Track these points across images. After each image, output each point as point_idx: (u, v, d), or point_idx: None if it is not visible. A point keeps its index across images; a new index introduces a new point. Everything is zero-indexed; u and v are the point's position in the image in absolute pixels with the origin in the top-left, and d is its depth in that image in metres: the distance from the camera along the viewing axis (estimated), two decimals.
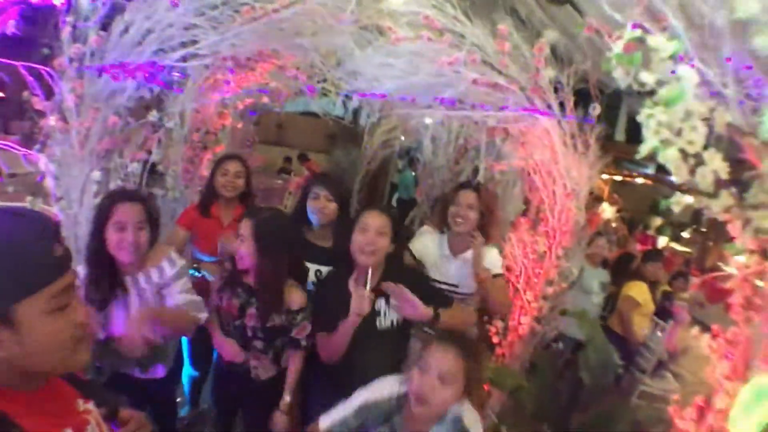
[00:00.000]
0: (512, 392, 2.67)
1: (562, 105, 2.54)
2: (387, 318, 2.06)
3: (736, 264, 1.77)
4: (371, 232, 2.00)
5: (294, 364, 2.12)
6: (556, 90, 2.55)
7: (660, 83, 1.51)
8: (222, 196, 2.75)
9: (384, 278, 2.02)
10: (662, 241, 9.32)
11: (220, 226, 2.69)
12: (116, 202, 1.84)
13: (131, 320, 1.88)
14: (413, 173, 7.99)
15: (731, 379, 1.73)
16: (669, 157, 1.55)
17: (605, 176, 9.54)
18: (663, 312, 4.59)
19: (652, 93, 1.58)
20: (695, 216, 10.38)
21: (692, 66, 1.45)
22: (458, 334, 1.57)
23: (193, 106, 3.40)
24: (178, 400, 2.78)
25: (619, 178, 10.60)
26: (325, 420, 1.66)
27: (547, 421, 2.71)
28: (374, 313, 2.03)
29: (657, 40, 1.47)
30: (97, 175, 2.24)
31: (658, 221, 9.92)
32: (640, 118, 1.52)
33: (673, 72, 1.49)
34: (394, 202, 8.62)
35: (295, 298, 2.04)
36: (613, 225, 6.78)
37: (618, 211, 9.23)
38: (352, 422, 1.62)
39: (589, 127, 2.62)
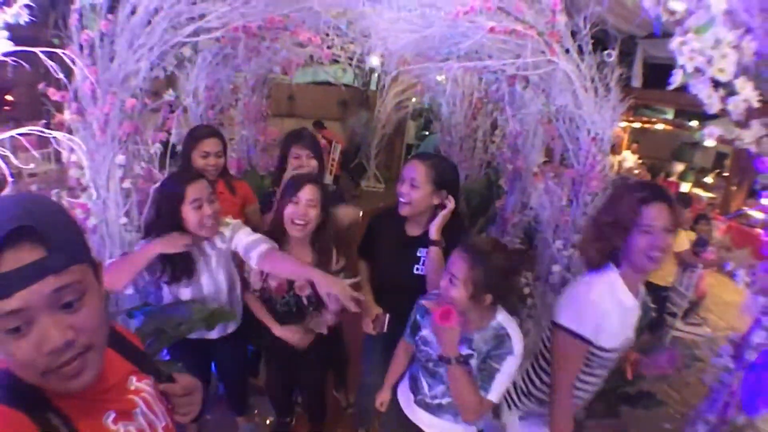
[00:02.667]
0: None
1: (580, 49, 2.49)
2: (425, 266, 2.14)
3: (761, 208, 1.75)
4: (406, 183, 2.08)
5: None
6: (573, 35, 2.50)
7: (688, 13, 1.48)
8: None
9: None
10: (685, 187, 9.19)
11: None
12: (187, 182, 1.95)
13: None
14: (431, 134, 7.93)
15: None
16: (700, 87, 1.53)
17: (624, 123, 9.35)
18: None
19: (666, 35, 1.54)
20: (717, 160, 10.17)
21: None
22: (474, 244, 1.64)
23: (206, 83, 3.40)
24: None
25: (638, 125, 10.35)
26: None
27: None
28: (415, 260, 2.14)
29: None
30: (121, 159, 2.27)
31: (680, 167, 9.73)
32: (673, 45, 1.48)
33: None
34: None
35: (335, 259, 2.13)
36: (636, 172, 6.69)
37: (639, 158, 9.10)
38: (412, 316, 1.90)
39: (609, 71, 2.56)
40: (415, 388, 1.89)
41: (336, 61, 3.46)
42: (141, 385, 0.95)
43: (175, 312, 2.07)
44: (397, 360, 2.07)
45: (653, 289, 4.19)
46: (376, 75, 8.89)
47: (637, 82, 8.04)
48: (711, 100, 1.54)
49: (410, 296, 1.96)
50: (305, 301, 2.15)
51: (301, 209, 2.01)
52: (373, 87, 9.26)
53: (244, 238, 2.09)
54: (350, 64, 3.43)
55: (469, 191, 4.69)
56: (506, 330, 1.67)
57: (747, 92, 1.50)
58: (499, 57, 2.55)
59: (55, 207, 0.78)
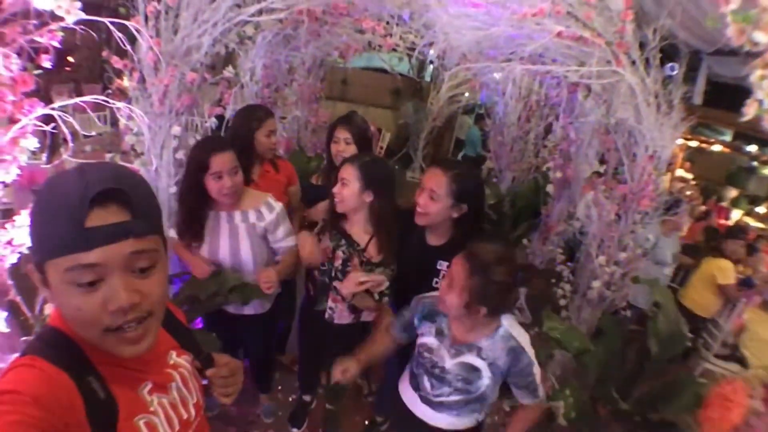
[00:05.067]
0: (577, 355, 2.63)
1: (647, 62, 2.41)
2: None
3: None
4: (425, 193, 2.01)
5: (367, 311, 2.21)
6: (641, 47, 2.42)
7: None
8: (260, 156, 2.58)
9: (453, 241, 2.05)
10: (736, 214, 8.82)
11: (252, 183, 2.53)
12: (211, 153, 1.97)
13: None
14: (480, 130, 7.87)
15: None
16: None
17: (680, 141, 9.02)
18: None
19: (732, 53, 1.48)
20: None
21: None
22: (476, 251, 1.58)
23: (264, 62, 3.43)
24: None
25: (694, 144, 9.95)
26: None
27: (610, 387, 2.67)
28: (434, 273, 2.10)
29: None
30: (176, 130, 2.32)
31: (733, 192, 9.33)
32: (752, 78, 1.42)
33: None
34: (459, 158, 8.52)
35: (377, 250, 2.08)
36: (688, 193, 6.44)
37: (693, 179, 8.77)
38: (405, 315, 1.88)
39: (674, 87, 2.48)
40: (416, 386, 1.87)
41: (394, 50, 3.44)
42: (180, 361, 0.98)
43: (211, 281, 2.12)
44: (377, 340, 2.00)
45: (693, 319, 4.07)
46: (431, 67, 8.80)
47: (698, 99, 7.74)
48: None
49: None
50: (333, 273, 2.15)
51: (336, 188, 2.05)
52: (427, 78, 9.18)
53: (279, 235, 2.21)
54: (409, 55, 3.40)
55: (515, 194, 4.63)
56: (517, 342, 1.66)
57: None
58: (563, 62, 2.49)
59: (142, 180, 0.83)
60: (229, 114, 2.76)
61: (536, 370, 1.67)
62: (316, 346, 2.44)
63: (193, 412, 0.98)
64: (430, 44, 2.93)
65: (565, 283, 3.08)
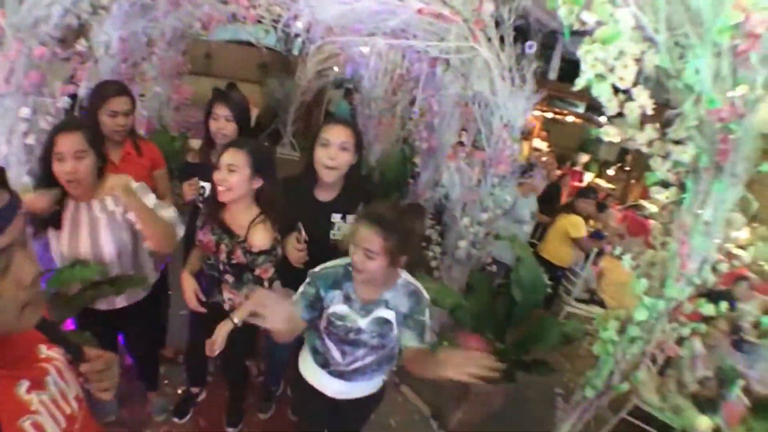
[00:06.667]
0: (452, 311, 2.85)
1: (502, 39, 2.61)
2: (340, 231, 2.15)
3: (656, 199, 1.98)
4: (333, 147, 2.02)
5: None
6: (496, 24, 2.62)
7: (599, 23, 1.63)
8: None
9: (343, 194, 2.12)
10: (588, 177, 9.87)
11: (113, 167, 2.29)
12: (57, 132, 1.79)
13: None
14: (348, 104, 7.86)
15: (649, 295, 1.98)
16: (602, 91, 1.70)
17: (537, 113, 9.83)
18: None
19: (585, 33, 1.69)
20: (620, 155, 10.99)
21: (629, 10, 1.57)
22: (381, 214, 1.64)
23: (120, 34, 3.18)
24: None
25: (550, 115, 10.90)
26: (294, 301, 1.82)
27: (484, 336, 2.93)
28: (329, 225, 2.14)
29: None
30: (25, 112, 2.11)
31: (585, 158, 10.39)
32: (579, 53, 1.63)
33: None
34: None
35: (258, 239, 2.01)
36: (544, 159, 7.07)
37: (549, 147, 9.63)
38: (309, 291, 1.80)
39: (527, 63, 2.71)
40: (323, 362, 1.90)
41: (259, 22, 3.36)
42: (52, 354, 0.94)
43: (74, 273, 1.92)
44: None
45: (553, 269, 4.60)
46: (299, 40, 8.68)
47: (553, 74, 8.46)
48: (610, 104, 1.71)
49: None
50: (221, 267, 2.11)
51: (218, 175, 1.95)
52: (296, 52, 9.03)
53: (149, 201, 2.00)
54: (274, 27, 3.33)
55: (384, 166, 4.77)
56: (415, 285, 1.79)
57: (643, 99, 1.69)
58: (424, 38, 2.62)
59: None
60: (82, 92, 2.54)
61: (429, 314, 1.80)
62: (209, 337, 2.40)
63: (74, 405, 0.93)
64: (296, 17, 2.91)
65: (435, 246, 3.29)
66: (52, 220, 1.90)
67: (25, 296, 0.75)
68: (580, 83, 1.70)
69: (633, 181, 9.44)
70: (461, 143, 3.11)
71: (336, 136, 2.03)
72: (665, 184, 1.93)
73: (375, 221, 1.62)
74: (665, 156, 1.83)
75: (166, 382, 2.89)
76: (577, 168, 9.71)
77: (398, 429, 3.07)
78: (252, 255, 2.01)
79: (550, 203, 5.20)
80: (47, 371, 0.90)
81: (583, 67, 1.65)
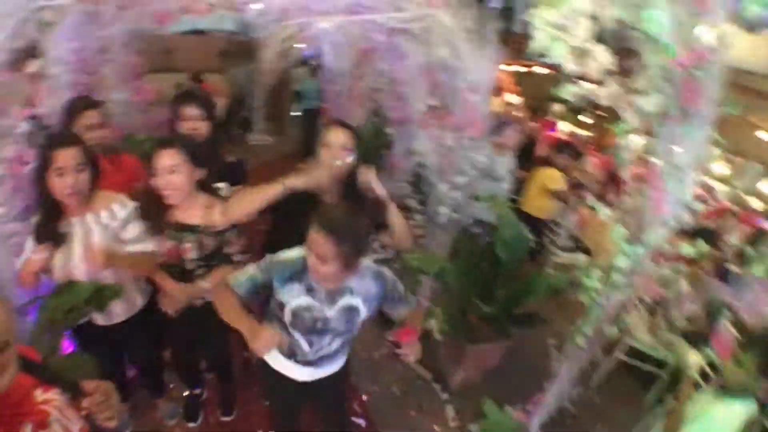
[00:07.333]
0: (438, 275, 2.89)
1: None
2: None
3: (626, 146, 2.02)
4: (336, 148, 2.09)
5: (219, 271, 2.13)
6: None
7: None
8: None
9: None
10: (564, 126, 9.90)
11: None
12: (54, 148, 1.82)
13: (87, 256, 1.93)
14: (316, 81, 7.62)
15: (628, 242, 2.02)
16: (558, 51, 1.71)
17: (509, 68, 9.79)
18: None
19: None
20: (593, 101, 11.00)
21: None
22: (334, 221, 1.59)
23: (71, 46, 3.09)
24: None
25: (522, 68, 10.86)
26: (236, 276, 1.79)
27: (473, 297, 2.99)
28: None
29: None
30: None
31: (557, 107, 10.40)
32: (526, 17, 1.65)
33: None
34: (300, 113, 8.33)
35: (219, 218, 2.06)
36: (516, 114, 7.08)
37: (523, 100, 9.62)
38: (259, 276, 1.76)
39: (489, 21, 2.69)
40: (290, 354, 1.89)
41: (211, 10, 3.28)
42: (49, 396, 0.97)
43: (61, 295, 1.91)
44: (237, 308, 1.77)
45: (536, 222, 4.69)
46: (257, 23, 8.44)
47: (518, 28, 8.38)
48: (568, 63, 1.73)
49: None
50: (189, 266, 2.13)
51: (161, 180, 1.97)
52: (256, 36, 8.80)
53: (128, 235, 2.04)
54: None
55: (358, 140, 4.73)
56: (376, 267, 1.82)
57: (601, 56, 1.71)
58: (382, 10, 2.59)
59: None
60: (43, 111, 2.47)
61: (400, 284, 1.87)
62: (191, 339, 2.44)
63: None
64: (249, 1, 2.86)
65: (416, 214, 3.32)
66: (54, 237, 1.93)
67: None
68: (534, 47, 1.72)
69: (606, 125, 9.48)
70: (435, 107, 3.09)
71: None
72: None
73: (326, 227, 1.58)
74: (631, 106, 1.86)
75: (172, 386, 2.92)
76: (550, 118, 9.75)
77: (403, 396, 3.15)
78: (220, 234, 2.07)
79: (527, 158, 5.24)
80: (49, 412, 0.94)
81: (533, 31, 1.66)
